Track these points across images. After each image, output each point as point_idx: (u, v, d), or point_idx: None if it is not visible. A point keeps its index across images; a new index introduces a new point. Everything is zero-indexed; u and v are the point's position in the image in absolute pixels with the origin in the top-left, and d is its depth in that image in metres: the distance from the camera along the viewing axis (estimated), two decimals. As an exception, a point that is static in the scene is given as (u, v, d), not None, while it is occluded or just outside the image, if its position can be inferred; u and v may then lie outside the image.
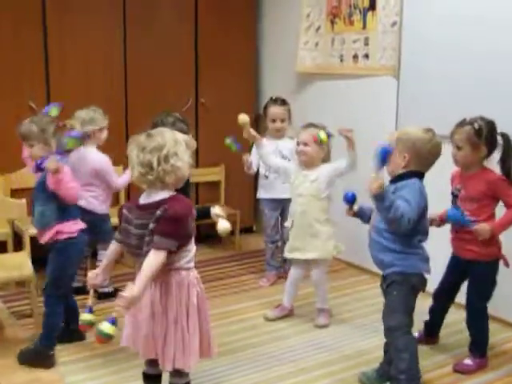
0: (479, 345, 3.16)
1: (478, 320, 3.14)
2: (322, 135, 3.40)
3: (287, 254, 3.71)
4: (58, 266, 3.18)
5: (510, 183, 2.95)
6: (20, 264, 3.47)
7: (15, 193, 4.13)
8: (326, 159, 3.56)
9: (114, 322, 2.33)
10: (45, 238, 3.12)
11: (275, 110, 4.14)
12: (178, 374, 2.53)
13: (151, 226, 2.32)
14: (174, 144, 2.35)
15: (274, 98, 4.23)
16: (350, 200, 2.91)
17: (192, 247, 2.48)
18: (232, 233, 5.10)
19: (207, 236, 5.23)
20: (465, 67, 3.69)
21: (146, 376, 2.66)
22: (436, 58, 3.84)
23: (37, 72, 4.28)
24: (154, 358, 2.51)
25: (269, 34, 5.29)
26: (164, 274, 2.40)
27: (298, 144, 3.57)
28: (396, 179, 2.75)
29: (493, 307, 3.18)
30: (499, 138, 2.95)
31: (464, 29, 3.67)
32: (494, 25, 3.51)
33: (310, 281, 3.71)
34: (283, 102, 4.18)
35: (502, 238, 3.06)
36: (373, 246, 2.85)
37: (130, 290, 2.27)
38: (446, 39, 3.78)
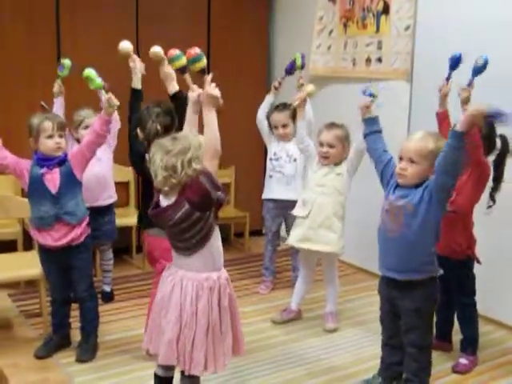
0: (471, 342, 3.22)
1: (467, 316, 3.20)
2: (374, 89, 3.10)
3: (296, 243, 3.58)
4: (89, 263, 3.23)
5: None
6: (29, 263, 3.47)
7: (25, 192, 4.13)
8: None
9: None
10: (73, 235, 3.07)
11: (275, 117, 4.06)
12: (189, 380, 2.52)
13: (185, 208, 2.31)
14: (198, 148, 2.34)
15: (276, 104, 4.14)
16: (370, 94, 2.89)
17: (217, 246, 2.47)
18: (241, 235, 5.13)
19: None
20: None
21: (157, 378, 2.62)
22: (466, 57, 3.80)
23: (49, 72, 4.28)
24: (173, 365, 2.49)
25: (281, 37, 5.29)
26: (195, 279, 2.40)
27: (321, 145, 3.51)
28: (417, 185, 2.64)
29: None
30: (498, 141, 2.98)
31: (478, 33, 3.64)
32: (510, 28, 3.48)
33: (321, 282, 3.69)
34: (284, 107, 4.05)
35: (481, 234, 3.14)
36: (401, 250, 2.67)
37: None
38: (460, 43, 3.74)
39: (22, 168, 3.08)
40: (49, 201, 3.04)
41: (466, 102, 2.98)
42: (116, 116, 3.80)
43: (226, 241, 5.23)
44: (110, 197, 3.90)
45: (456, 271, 3.11)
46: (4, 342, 3.35)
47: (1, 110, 4.25)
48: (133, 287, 4.19)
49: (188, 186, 2.32)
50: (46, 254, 3.14)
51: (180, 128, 2.80)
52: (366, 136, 2.89)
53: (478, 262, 3.17)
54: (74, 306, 3.31)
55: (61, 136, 3.06)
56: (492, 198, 3.04)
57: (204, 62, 2.52)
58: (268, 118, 4.10)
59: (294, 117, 3.96)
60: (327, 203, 3.47)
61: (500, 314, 3.69)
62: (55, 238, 3.06)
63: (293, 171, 4.04)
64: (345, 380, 3.07)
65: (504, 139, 2.98)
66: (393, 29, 4.24)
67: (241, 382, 3.02)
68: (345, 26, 4.60)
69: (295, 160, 4.03)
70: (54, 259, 3.13)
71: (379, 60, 4.37)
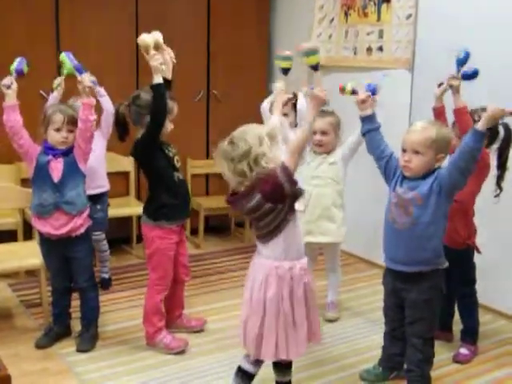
0: (471, 332, 3.23)
1: (467, 306, 3.21)
2: (349, 87, 3.07)
3: None
4: (90, 254, 3.24)
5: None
6: (30, 253, 3.46)
7: (25, 182, 4.11)
8: (339, 143, 3.50)
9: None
10: (73, 226, 3.07)
11: None
12: (281, 371, 2.61)
13: (257, 199, 2.32)
14: (259, 144, 2.33)
15: None
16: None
17: (293, 237, 2.45)
18: (242, 225, 5.12)
19: (216, 227, 5.23)
20: (480, 61, 3.64)
21: (240, 370, 2.62)
22: (451, 52, 3.79)
23: (48, 60, 4.28)
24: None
25: (282, 25, 5.26)
26: (266, 266, 2.43)
27: (314, 133, 3.48)
28: (425, 176, 2.62)
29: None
30: (500, 128, 2.96)
31: (481, 22, 3.62)
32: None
33: (322, 271, 3.68)
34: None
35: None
36: (411, 243, 2.64)
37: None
38: (462, 32, 3.72)
39: (32, 152, 3.07)
40: (50, 189, 3.04)
41: (457, 90, 3.02)
42: (109, 106, 3.77)
43: (226, 231, 5.24)
44: (99, 186, 3.86)
45: (456, 261, 3.08)
46: (4, 332, 3.35)
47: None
48: (132, 277, 4.19)
49: (263, 177, 2.32)
50: (47, 243, 3.14)
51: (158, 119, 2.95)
52: (364, 134, 2.85)
53: (478, 251, 3.17)
54: (75, 295, 3.31)
55: (70, 131, 3.05)
56: (499, 185, 3.02)
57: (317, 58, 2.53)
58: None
59: (294, 106, 3.95)
60: (324, 194, 3.45)
61: (500, 303, 3.69)
62: (55, 226, 3.06)
63: None
64: (345, 369, 3.07)
65: (507, 127, 2.96)
66: (394, 17, 4.21)
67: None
68: (346, 14, 4.58)
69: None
70: (55, 249, 3.13)
71: (380, 49, 4.34)
